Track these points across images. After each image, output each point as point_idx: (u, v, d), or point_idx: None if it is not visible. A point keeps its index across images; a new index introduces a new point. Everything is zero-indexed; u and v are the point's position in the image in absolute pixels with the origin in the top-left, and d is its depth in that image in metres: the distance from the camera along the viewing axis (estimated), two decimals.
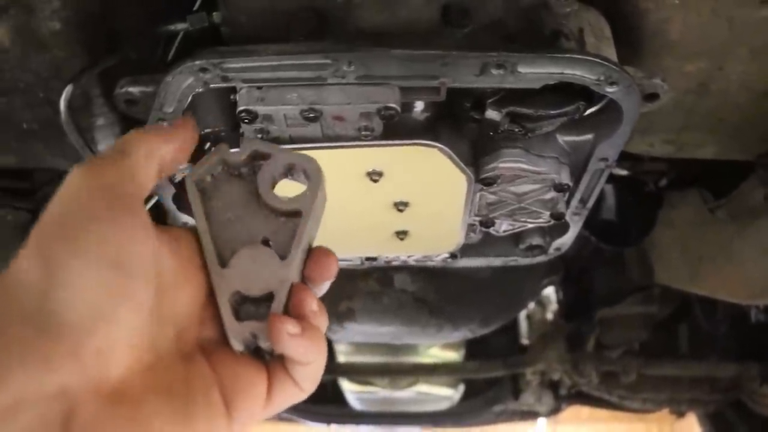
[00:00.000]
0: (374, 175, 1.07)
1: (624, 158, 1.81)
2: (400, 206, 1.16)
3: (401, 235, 1.27)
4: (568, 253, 2.52)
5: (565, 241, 1.45)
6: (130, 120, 1.19)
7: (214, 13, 1.05)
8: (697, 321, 2.60)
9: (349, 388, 2.83)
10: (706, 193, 1.73)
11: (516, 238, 1.45)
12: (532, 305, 2.90)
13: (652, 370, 2.47)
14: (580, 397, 2.89)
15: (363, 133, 1.00)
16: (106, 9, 1.08)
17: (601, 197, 2.10)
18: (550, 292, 2.92)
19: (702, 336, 2.60)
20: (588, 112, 1.09)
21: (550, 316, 2.91)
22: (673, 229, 1.92)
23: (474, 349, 2.69)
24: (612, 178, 2.02)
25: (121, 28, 1.13)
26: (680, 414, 2.96)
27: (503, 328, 2.62)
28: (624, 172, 1.99)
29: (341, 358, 2.65)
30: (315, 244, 0.88)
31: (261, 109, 0.98)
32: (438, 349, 2.63)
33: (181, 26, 1.08)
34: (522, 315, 2.91)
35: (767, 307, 2.40)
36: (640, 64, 1.18)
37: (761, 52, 1.14)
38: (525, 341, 2.83)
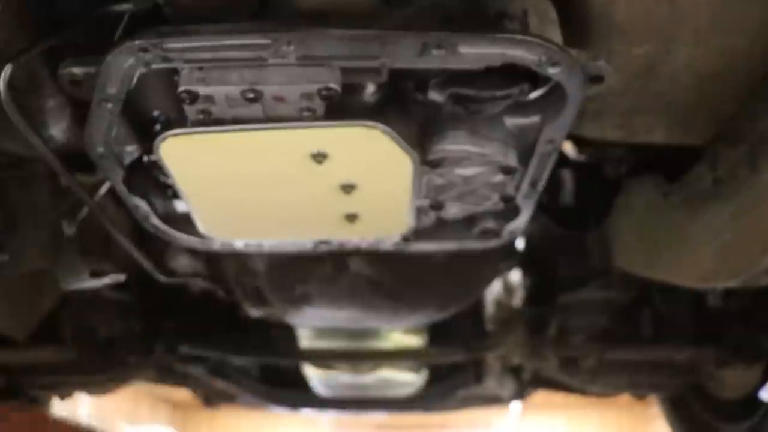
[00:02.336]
0: (318, 157, 1.08)
1: (583, 144, 1.84)
2: (347, 188, 1.17)
3: (351, 218, 1.28)
4: (534, 240, 2.56)
5: (519, 224, 1.47)
6: (80, 103, 1.18)
7: None
8: (657, 306, 2.64)
9: (312, 373, 2.84)
10: (660, 178, 1.75)
11: (469, 222, 1.47)
12: (499, 290, 2.93)
13: (610, 355, 2.50)
14: (543, 382, 2.92)
15: (305, 113, 1.00)
16: None
17: (560, 182, 2.12)
18: (517, 278, 2.94)
19: (663, 321, 2.64)
20: (533, 94, 1.10)
21: (516, 301, 2.93)
22: (630, 215, 1.94)
23: (437, 334, 2.71)
24: (571, 164, 2.04)
25: (64, 9, 1.11)
26: (641, 397, 3.00)
27: (468, 313, 2.65)
28: (582, 158, 2.02)
29: (304, 343, 2.66)
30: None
31: (202, 90, 0.98)
32: (400, 334, 2.65)
33: (126, 6, 1.07)
34: (489, 299, 2.93)
35: (724, 291, 2.44)
36: (588, 48, 1.20)
37: (704, 33, 1.16)
38: (490, 326, 2.85)
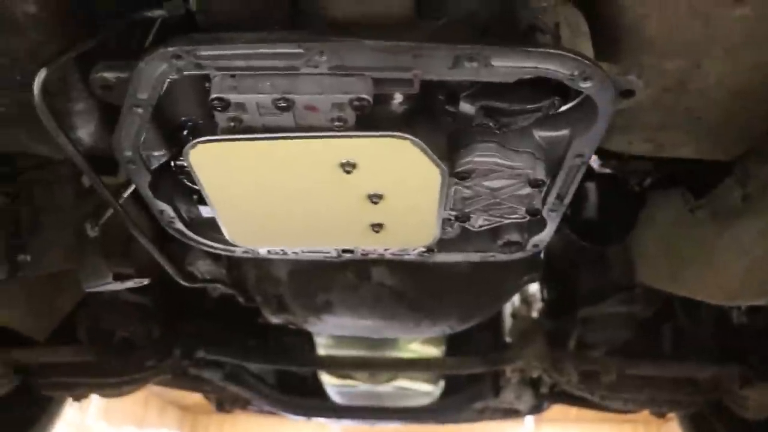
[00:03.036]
0: (347, 167, 1.07)
1: (608, 157, 1.82)
2: (375, 198, 1.16)
3: (376, 227, 1.27)
4: (554, 251, 2.54)
5: (543, 237, 1.45)
6: (109, 106, 1.19)
7: (190, 1, 1.05)
8: (680, 322, 2.61)
9: (329, 381, 2.84)
10: (688, 193, 1.73)
11: (494, 233, 1.46)
12: (517, 302, 2.91)
13: (631, 370, 2.48)
14: (562, 396, 2.89)
15: (336, 123, 1.00)
16: None
17: (583, 195, 2.10)
18: (535, 289, 2.92)
19: (685, 337, 2.61)
20: (563, 108, 1.09)
21: (534, 313, 2.91)
22: (655, 229, 1.92)
23: (456, 345, 2.70)
24: (595, 177, 2.02)
25: (98, 13, 1.12)
26: (661, 415, 2.96)
27: (487, 324, 2.63)
28: (607, 171, 2.00)
29: (321, 351, 2.66)
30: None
31: (234, 98, 0.98)
32: (418, 344, 2.63)
33: (158, 12, 1.08)
34: (507, 311, 2.92)
35: (749, 308, 2.41)
36: (619, 61, 1.19)
37: (736, 50, 1.15)
38: (508, 338, 2.83)
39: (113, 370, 2.59)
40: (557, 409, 3.26)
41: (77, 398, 2.92)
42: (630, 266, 2.13)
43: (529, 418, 7.79)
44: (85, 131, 1.36)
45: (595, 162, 1.97)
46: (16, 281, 1.81)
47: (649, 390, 2.66)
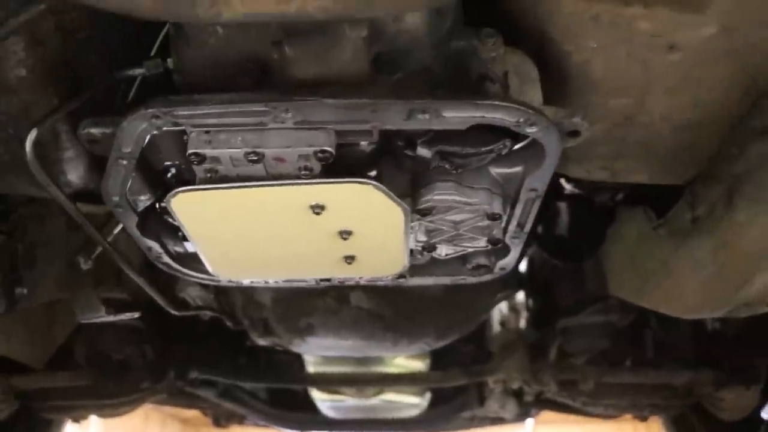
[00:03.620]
0: (317, 209, 1.16)
1: (572, 181, 1.91)
2: (344, 234, 1.25)
3: (349, 259, 1.36)
4: (536, 264, 2.63)
5: (509, 261, 1.54)
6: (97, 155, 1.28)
7: (169, 59, 1.14)
8: (656, 330, 2.70)
9: (318, 397, 2.93)
10: (650, 211, 1.82)
11: (463, 258, 1.54)
12: (505, 313, 3.00)
13: (608, 378, 2.57)
14: (548, 404, 2.98)
15: (303, 172, 1.09)
16: (69, 56, 1.17)
17: (555, 214, 2.20)
18: (522, 299, 3.01)
19: (662, 344, 2.70)
20: (515, 147, 1.19)
21: (522, 322, 3.00)
22: (622, 244, 2.01)
23: (440, 358, 2.79)
24: (563, 197, 2.12)
25: (83, 74, 1.21)
26: (643, 418, 3.06)
27: (472, 336, 2.72)
28: (576, 191, 2.09)
29: (311, 369, 2.75)
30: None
31: (209, 152, 1.07)
32: (404, 359, 2.73)
33: (138, 71, 1.17)
34: (496, 321, 3.01)
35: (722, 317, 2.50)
36: (569, 101, 1.28)
37: (675, 90, 1.24)
38: (494, 348, 2.92)
39: (110, 393, 2.67)
40: None
41: (76, 420, 3.01)
42: (602, 279, 2.22)
43: (529, 422, 7.82)
44: (75, 174, 1.45)
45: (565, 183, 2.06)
46: (14, 313, 1.89)
47: (629, 395, 2.75)
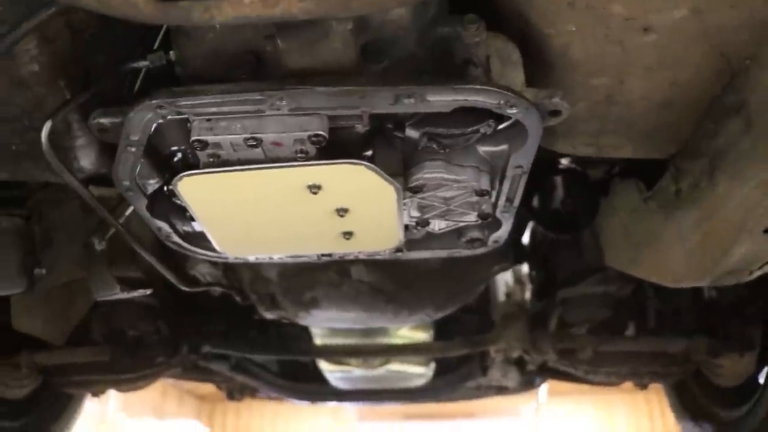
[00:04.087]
0: (314, 189, 1.24)
1: (562, 156, 1.97)
2: (341, 212, 1.33)
3: (347, 235, 1.44)
4: (537, 236, 2.70)
5: (501, 234, 1.62)
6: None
7: (171, 52, 1.22)
8: (654, 299, 2.77)
9: (326, 368, 3.03)
10: (641, 183, 1.88)
11: (458, 232, 1.62)
12: (511, 285, 3.07)
13: (604, 347, 2.65)
14: (551, 372, 3.06)
15: (299, 155, 1.17)
16: (78, 52, 1.24)
17: (550, 188, 2.26)
18: (526, 271, 3.08)
19: (659, 313, 2.77)
20: (500, 127, 1.26)
21: (527, 293, 3.08)
22: (616, 216, 2.07)
23: (444, 328, 2.88)
24: (558, 170, 2.18)
25: (91, 68, 1.29)
26: (643, 386, 3.14)
27: (476, 307, 2.81)
28: (570, 164, 2.16)
29: (318, 340, 2.85)
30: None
31: (211, 138, 1.15)
32: (407, 329, 2.82)
33: (143, 63, 1.25)
34: (501, 292, 3.08)
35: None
36: (551, 80, 1.35)
37: (653, 69, 1.30)
38: (497, 319, 3.00)
39: (126, 368, 2.78)
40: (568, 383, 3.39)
41: (96, 394, 3.13)
42: (600, 250, 2.28)
43: (542, 393, 7.91)
44: (87, 161, 1.53)
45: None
46: (34, 293, 2.00)
47: (628, 363, 2.83)
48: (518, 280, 3.08)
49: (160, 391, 8.60)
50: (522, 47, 1.28)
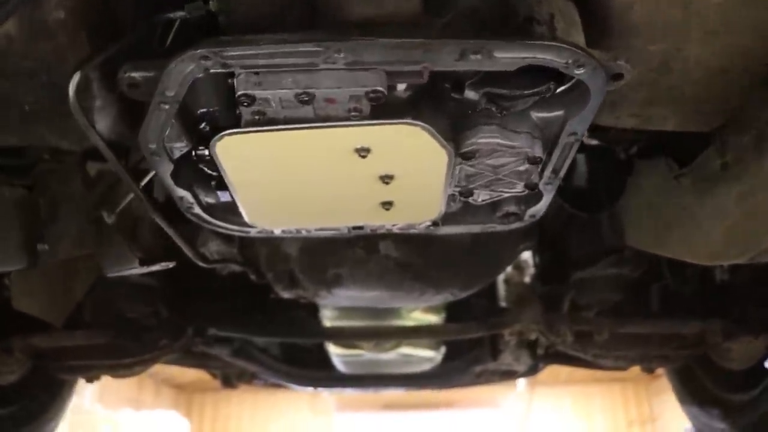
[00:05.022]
0: (362, 152, 1.17)
1: (594, 129, 1.92)
2: (386, 179, 1.26)
3: (387, 205, 1.37)
4: (545, 219, 2.65)
5: (540, 208, 1.56)
6: (127, 101, 1.27)
7: (211, 2, 1.13)
8: (666, 281, 2.73)
9: (335, 351, 2.95)
10: (672, 162, 1.84)
11: (493, 206, 1.56)
12: (509, 269, 3.03)
13: (623, 329, 2.60)
14: (557, 357, 3.02)
15: (352, 114, 1.09)
16: None
17: (573, 166, 2.20)
18: (527, 256, 3.03)
19: (672, 295, 2.74)
20: (558, 90, 1.19)
21: (527, 279, 3.03)
22: (641, 196, 2.03)
23: (454, 312, 2.82)
24: (583, 147, 2.12)
25: (121, 16, 1.20)
26: (650, 370, 3.11)
27: (482, 291, 2.74)
28: (595, 142, 2.10)
29: (327, 323, 2.77)
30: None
31: (259, 93, 1.07)
32: (420, 312, 2.75)
33: (179, 14, 1.16)
34: (500, 278, 3.03)
35: (731, 267, 2.54)
36: (608, 44, 1.28)
37: (714, 34, 1.24)
38: (503, 304, 2.95)
39: (127, 352, 2.68)
40: (547, 374, 3.39)
41: (90, 380, 3.01)
42: (619, 231, 2.24)
43: (521, 382, 7.98)
44: (102, 125, 1.43)
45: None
46: (36, 270, 1.89)
47: (638, 347, 2.80)
48: (516, 265, 3.03)
49: (136, 381, 8.46)
50: (578, 8, 1.22)
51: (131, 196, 1.60)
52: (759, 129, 1.43)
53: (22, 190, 1.81)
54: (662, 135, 1.70)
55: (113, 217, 1.68)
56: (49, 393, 2.95)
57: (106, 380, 3.03)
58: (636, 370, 3.13)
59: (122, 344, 2.62)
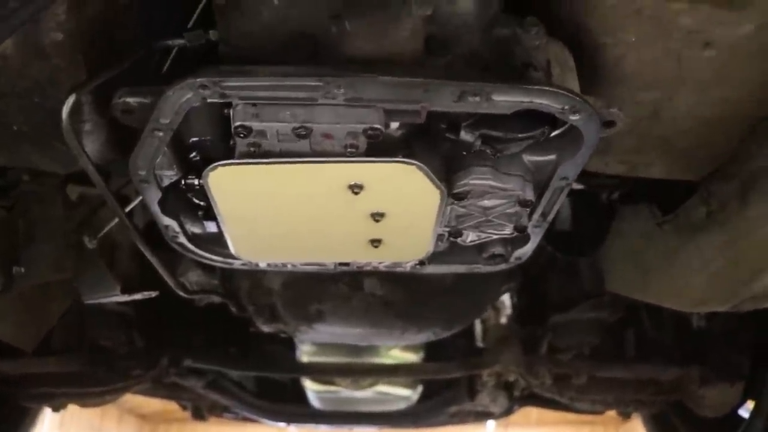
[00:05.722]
0: (355, 188, 1.16)
1: (581, 174, 1.94)
2: (377, 217, 1.25)
3: (375, 243, 1.36)
4: (526, 260, 2.65)
5: (526, 251, 1.57)
6: (117, 126, 1.25)
7: (211, 31, 1.13)
8: (643, 326, 2.75)
9: (311, 387, 2.91)
10: (655, 208, 1.86)
11: (480, 247, 1.56)
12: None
13: (601, 373, 2.61)
14: (533, 399, 3.01)
15: (348, 150, 1.09)
16: (108, 22, 1.14)
17: (558, 210, 2.22)
18: (504, 297, 3.04)
19: (648, 341, 2.75)
20: (552, 135, 1.20)
21: (504, 320, 3.03)
22: (623, 241, 2.04)
23: (432, 351, 2.80)
24: (569, 192, 2.14)
25: (120, 40, 1.19)
26: (626, 415, 3.11)
27: (460, 331, 2.73)
28: (580, 186, 2.12)
29: (304, 358, 2.73)
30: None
31: (256, 125, 1.06)
32: (398, 350, 2.73)
33: (178, 42, 1.16)
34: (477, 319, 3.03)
35: (708, 314, 2.56)
36: (598, 92, 1.30)
37: (706, 86, 1.27)
38: (480, 344, 2.94)
39: (98, 380, 2.60)
40: (520, 413, 3.36)
41: (56, 408, 2.91)
42: (599, 275, 2.25)
43: (491, 422, 7.89)
44: (91, 149, 1.41)
45: None
46: (10, 293, 1.84)
47: (615, 391, 2.79)
48: (493, 306, 3.03)
49: (99, 409, 8.21)
50: (573, 56, 1.24)
51: (115, 221, 1.57)
52: (744, 179, 1.46)
53: (1, 210, 1.77)
54: (646, 181, 1.73)
55: (95, 242, 1.64)
56: (11, 423, 2.85)
57: (69, 408, 2.94)
58: (608, 412, 3.13)
59: (94, 372, 2.54)
